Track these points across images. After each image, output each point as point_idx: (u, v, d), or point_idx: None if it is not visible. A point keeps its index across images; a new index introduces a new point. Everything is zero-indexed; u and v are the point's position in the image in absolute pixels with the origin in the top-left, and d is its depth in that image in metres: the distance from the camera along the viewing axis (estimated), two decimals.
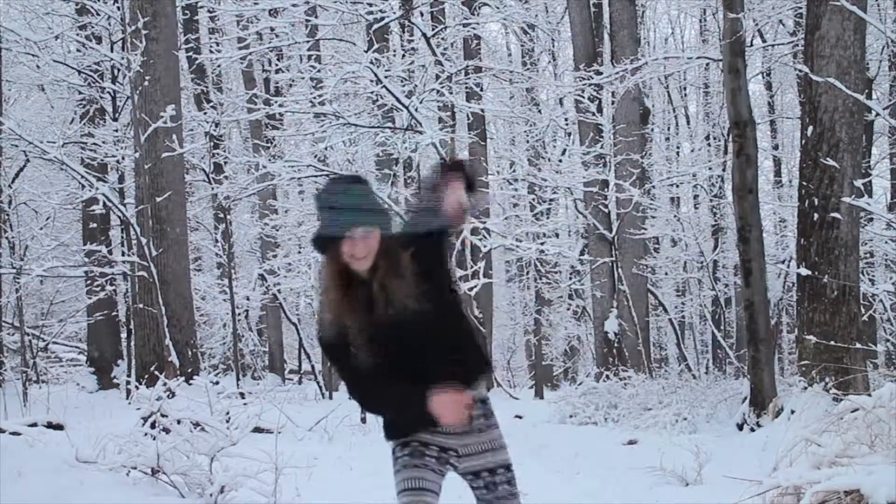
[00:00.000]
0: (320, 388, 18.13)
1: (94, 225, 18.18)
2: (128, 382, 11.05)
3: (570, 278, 22.31)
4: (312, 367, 19.63)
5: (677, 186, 24.19)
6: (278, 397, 13.06)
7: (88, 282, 18.12)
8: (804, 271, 9.76)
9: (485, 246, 14.59)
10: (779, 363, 21.79)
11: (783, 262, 18.86)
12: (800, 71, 12.54)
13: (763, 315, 11.07)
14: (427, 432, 3.28)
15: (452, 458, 3.32)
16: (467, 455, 3.32)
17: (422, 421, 3.21)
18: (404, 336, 3.20)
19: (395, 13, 14.58)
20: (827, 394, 9.11)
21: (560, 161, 19.22)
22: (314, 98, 13.63)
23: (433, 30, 16.23)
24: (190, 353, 13.01)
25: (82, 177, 14.08)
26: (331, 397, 17.03)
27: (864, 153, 17.54)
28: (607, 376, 14.29)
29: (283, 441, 6.71)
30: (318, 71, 15.19)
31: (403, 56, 15.71)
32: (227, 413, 6.58)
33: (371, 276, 3.18)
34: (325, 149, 15.20)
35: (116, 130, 17.46)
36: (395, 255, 3.18)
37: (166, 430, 6.14)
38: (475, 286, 13.51)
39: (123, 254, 17.07)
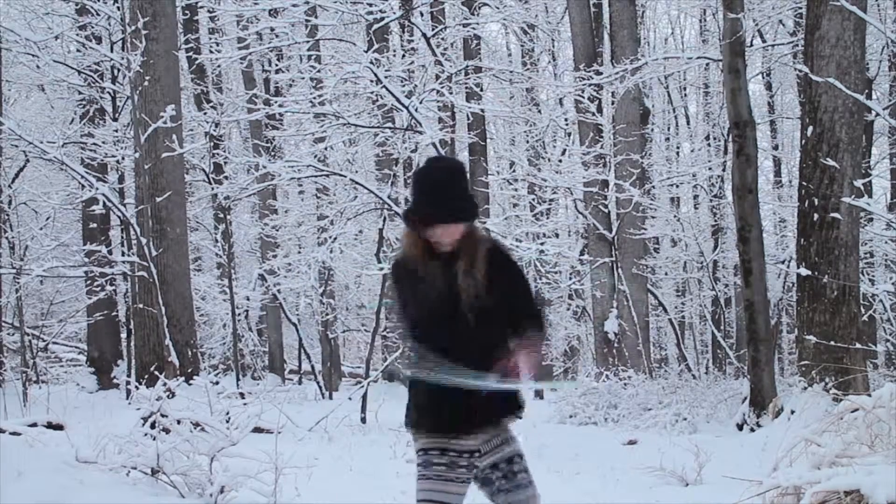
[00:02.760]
0: (320, 388, 18.11)
1: (94, 225, 18.17)
2: (128, 382, 11.03)
3: (570, 278, 22.28)
4: (312, 367, 19.61)
5: (677, 186, 24.18)
6: (278, 397, 13.06)
7: (88, 282, 18.10)
8: (804, 271, 9.77)
9: None
10: (779, 363, 21.80)
11: (783, 262, 18.86)
12: (800, 71, 12.54)
13: (763, 315, 11.08)
14: (453, 434, 3.36)
15: (476, 461, 3.42)
16: (487, 452, 3.44)
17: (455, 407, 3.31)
18: (456, 322, 3.33)
19: (395, 13, 14.57)
20: (827, 394, 9.11)
21: (560, 161, 19.19)
22: (314, 98, 13.61)
23: (433, 30, 16.21)
24: (190, 353, 13.00)
25: (82, 177, 14.06)
26: (331, 397, 17.03)
27: (864, 153, 17.53)
28: (607, 376, 14.29)
29: (283, 441, 6.71)
30: (318, 71, 15.16)
31: (403, 56, 15.71)
32: (227, 413, 6.57)
33: (450, 258, 3.36)
34: (325, 149, 15.19)
35: (116, 130, 17.45)
36: (476, 252, 3.36)
37: (166, 430, 6.13)
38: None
39: (123, 254, 17.05)
